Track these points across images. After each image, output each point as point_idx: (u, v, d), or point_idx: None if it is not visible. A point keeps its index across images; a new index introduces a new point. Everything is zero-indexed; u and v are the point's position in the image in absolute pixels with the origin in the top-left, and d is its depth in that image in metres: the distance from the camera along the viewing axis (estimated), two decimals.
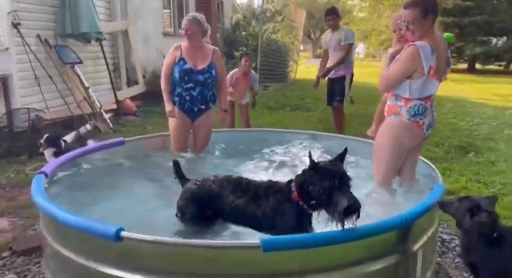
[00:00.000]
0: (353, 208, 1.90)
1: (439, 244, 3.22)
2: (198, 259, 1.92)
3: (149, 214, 2.76)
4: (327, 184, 1.97)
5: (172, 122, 3.89)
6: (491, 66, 25.61)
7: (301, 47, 18.73)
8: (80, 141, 5.74)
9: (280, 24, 17.12)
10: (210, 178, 2.45)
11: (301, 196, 2.18)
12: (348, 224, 1.92)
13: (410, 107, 2.78)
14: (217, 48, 4.00)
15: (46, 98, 6.16)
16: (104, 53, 7.47)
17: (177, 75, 3.78)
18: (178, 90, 3.84)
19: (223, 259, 1.91)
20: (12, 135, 5.73)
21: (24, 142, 5.57)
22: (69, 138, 5.77)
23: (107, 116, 6.86)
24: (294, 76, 16.03)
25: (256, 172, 3.58)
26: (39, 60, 6.07)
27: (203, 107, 3.91)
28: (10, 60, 5.78)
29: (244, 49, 13.14)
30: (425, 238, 2.36)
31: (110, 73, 7.59)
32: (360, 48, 30.24)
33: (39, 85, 6.06)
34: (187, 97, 3.83)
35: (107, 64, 7.56)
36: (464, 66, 25.76)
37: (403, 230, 2.16)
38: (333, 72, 5.80)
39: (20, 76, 5.91)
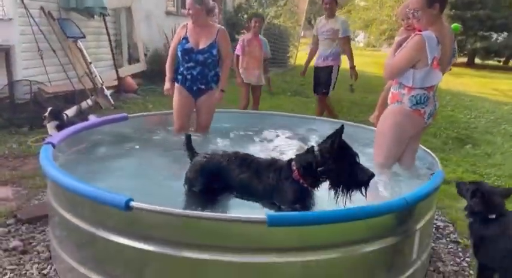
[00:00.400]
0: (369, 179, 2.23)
1: (434, 230, 3.31)
2: (204, 231, 1.98)
3: (156, 185, 2.82)
4: (348, 161, 2.22)
5: (175, 100, 3.92)
6: (490, 61, 25.65)
7: (302, 33, 18.63)
8: (81, 115, 5.75)
9: (283, 9, 17.01)
10: (219, 153, 2.51)
11: (303, 174, 2.30)
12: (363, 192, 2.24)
13: (413, 96, 2.83)
14: (223, 27, 3.98)
15: (48, 71, 6.14)
16: (107, 28, 7.42)
17: (179, 54, 3.85)
18: (181, 68, 3.89)
19: (228, 232, 1.97)
20: (13, 106, 5.74)
21: (26, 114, 5.59)
22: (70, 112, 5.76)
23: (108, 92, 6.85)
24: (294, 62, 15.98)
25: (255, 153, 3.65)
26: (42, 32, 6.03)
27: (203, 87, 3.91)
28: (13, 31, 5.74)
29: (246, 32, 13.06)
30: (423, 222, 2.43)
31: (112, 50, 7.55)
32: (360, 37, 30.10)
33: (41, 58, 6.03)
34: (188, 76, 3.87)
35: (109, 40, 7.51)
36: (464, 60, 25.78)
37: (403, 213, 2.22)
38: (320, 60, 5.75)
39: (22, 48, 5.88)
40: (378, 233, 2.18)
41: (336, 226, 2.04)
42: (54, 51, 6.14)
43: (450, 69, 3.14)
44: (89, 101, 6.40)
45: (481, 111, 8.21)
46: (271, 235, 1.98)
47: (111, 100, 6.72)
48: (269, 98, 8.33)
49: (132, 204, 1.97)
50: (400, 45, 2.93)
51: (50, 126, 4.61)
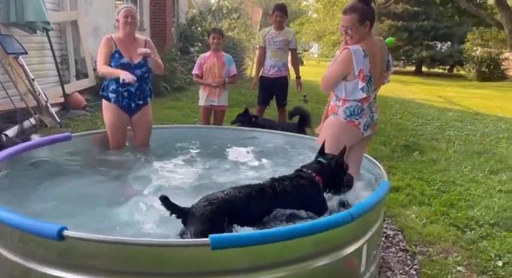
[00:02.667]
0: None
1: (383, 239, 3.36)
2: (143, 258, 1.89)
3: (95, 211, 2.68)
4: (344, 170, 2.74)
5: (108, 119, 3.75)
6: (436, 69, 26.95)
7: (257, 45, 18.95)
8: (23, 135, 5.46)
9: (236, 22, 17.13)
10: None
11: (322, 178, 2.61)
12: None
13: (347, 107, 2.95)
14: (149, 38, 3.89)
15: None
16: (50, 43, 7.14)
17: None
18: (114, 86, 3.68)
19: (170, 258, 1.89)
20: None
21: None
22: (11, 132, 5.49)
23: (53, 110, 6.56)
24: (250, 73, 16.08)
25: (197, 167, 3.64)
26: None
27: (141, 102, 3.80)
28: None
29: (200, 44, 13.02)
30: (369, 234, 2.45)
31: (56, 65, 7.27)
32: (314, 48, 30.80)
33: None
34: (125, 94, 3.70)
35: (53, 55, 7.23)
36: (412, 68, 26.94)
37: (349, 227, 2.22)
38: (273, 70, 5.77)
39: None
40: (324, 248, 2.17)
41: (282, 244, 2.02)
42: None
43: (388, 81, 3.25)
44: (32, 120, 6.10)
45: (427, 118, 8.54)
46: (217, 258, 1.92)
47: (57, 118, 6.43)
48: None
49: (66, 233, 1.85)
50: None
51: None
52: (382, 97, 11.69)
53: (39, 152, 3.43)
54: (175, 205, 2.18)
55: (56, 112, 6.65)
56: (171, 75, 9.88)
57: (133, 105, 3.77)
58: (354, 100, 2.93)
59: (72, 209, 2.72)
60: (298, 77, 6.12)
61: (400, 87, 15.58)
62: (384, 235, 3.41)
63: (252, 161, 3.93)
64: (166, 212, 2.57)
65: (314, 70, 22.51)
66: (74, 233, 1.86)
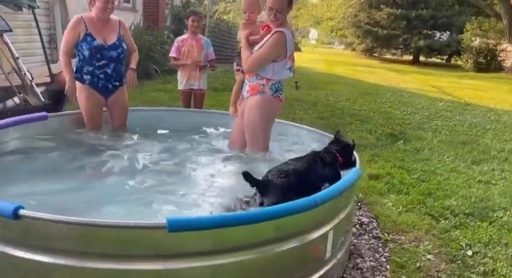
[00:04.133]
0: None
1: (357, 226, 3.37)
2: (101, 239, 1.88)
3: (64, 192, 2.67)
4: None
5: (83, 101, 3.69)
6: (433, 59, 26.85)
7: None
8: (5, 114, 5.41)
9: (232, 5, 16.91)
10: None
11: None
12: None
13: (272, 84, 3.20)
14: (122, 20, 3.83)
15: None
16: (37, 22, 6.98)
17: (86, 53, 3.55)
18: (89, 68, 3.61)
19: (127, 240, 1.88)
20: None
21: None
22: None
23: (38, 90, 6.48)
24: None
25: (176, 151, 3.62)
26: None
27: (117, 84, 3.78)
28: None
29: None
30: (336, 220, 2.44)
31: (42, 44, 7.13)
32: (312, 34, 30.56)
33: None
34: (102, 75, 3.65)
35: (39, 34, 7.08)
36: (410, 58, 26.82)
37: (313, 213, 2.21)
38: None
39: None
40: (287, 233, 2.16)
41: (243, 228, 2.01)
42: None
43: None
44: (16, 99, 6.02)
45: (417, 107, 8.51)
46: (177, 240, 1.92)
47: (42, 98, 6.35)
48: (212, 95, 8.24)
49: (22, 212, 1.84)
50: (254, 41, 3.26)
51: None
52: (374, 86, 11.69)
53: (14, 131, 3.40)
54: (255, 179, 2.44)
55: (41, 92, 6.57)
56: (162, 57, 9.78)
57: (110, 86, 3.73)
58: (278, 78, 3.19)
59: (40, 188, 2.70)
60: None
61: (395, 76, 15.54)
62: (358, 222, 3.43)
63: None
64: (131, 195, 2.60)
65: (309, 56, 22.45)
66: (30, 213, 1.85)
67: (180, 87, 5.06)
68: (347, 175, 2.58)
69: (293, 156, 2.94)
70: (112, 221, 1.85)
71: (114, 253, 1.90)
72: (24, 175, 2.88)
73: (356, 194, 3.83)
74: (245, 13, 3.32)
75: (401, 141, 5.70)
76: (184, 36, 5.08)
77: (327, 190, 2.29)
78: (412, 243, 3.12)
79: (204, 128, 4.29)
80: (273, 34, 3.10)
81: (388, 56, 27.83)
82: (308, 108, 7.56)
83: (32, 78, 6.49)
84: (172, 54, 4.99)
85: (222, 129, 4.27)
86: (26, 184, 2.75)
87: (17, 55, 6.37)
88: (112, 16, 3.70)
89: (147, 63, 9.15)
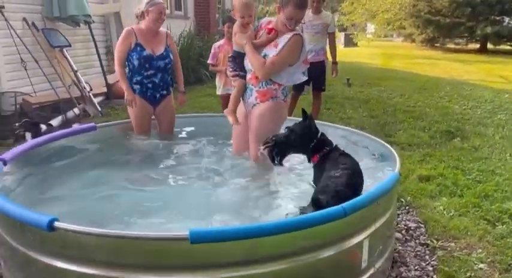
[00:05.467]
0: None
1: (403, 231, 3.21)
2: (133, 251, 1.93)
3: (105, 203, 2.78)
4: None
5: (132, 110, 3.84)
6: (503, 46, 24.95)
7: None
8: (67, 124, 5.78)
9: None
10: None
11: None
12: None
13: (283, 88, 3.15)
14: (169, 31, 3.98)
15: (34, 82, 6.19)
16: (92, 35, 7.43)
17: (136, 62, 3.71)
18: (138, 77, 3.77)
19: (154, 251, 1.92)
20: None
21: (11, 126, 5.63)
22: (55, 121, 5.82)
23: (96, 100, 6.87)
24: None
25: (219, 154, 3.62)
26: (24, 44, 6.07)
27: (165, 92, 3.90)
28: None
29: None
30: (372, 229, 2.33)
31: (99, 56, 7.56)
32: (368, 28, 29.64)
33: (25, 69, 6.08)
34: (150, 85, 3.80)
35: (96, 47, 7.53)
36: (476, 46, 25.15)
37: (343, 222, 2.13)
38: (311, 55, 5.63)
39: (6, 60, 5.93)
40: (316, 243, 2.10)
41: (271, 238, 1.98)
42: (37, 61, 6.17)
43: None
44: (76, 110, 6.43)
45: (479, 100, 7.94)
46: (206, 251, 1.93)
47: (99, 108, 6.73)
48: None
49: (56, 224, 1.93)
50: (260, 45, 3.06)
51: (28, 137, 4.66)
52: (433, 80, 11.09)
53: (65, 142, 3.60)
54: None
55: (99, 102, 6.96)
56: None
57: (158, 95, 3.86)
58: (291, 83, 3.17)
59: (83, 197, 2.84)
60: (334, 63, 5.99)
61: (458, 67, 14.64)
62: (405, 227, 3.26)
63: None
64: (172, 203, 2.64)
65: (365, 51, 21.79)
66: (64, 225, 1.94)
67: (219, 92, 5.28)
68: (383, 181, 2.46)
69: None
70: (135, 233, 1.89)
71: (144, 264, 1.94)
72: (69, 185, 3.05)
73: (403, 198, 3.66)
74: (243, 17, 3.11)
75: (458, 139, 5.35)
76: (220, 42, 5.20)
77: (358, 198, 2.19)
78: (464, 251, 2.91)
79: None
80: (291, 37, 2.95)
81: (452, 46, 26.30)
82: (359, 106, 7.33)
83: (91, 89, 6.90)
84: (209, 60, 5.23)
85: None
86: (70, 193, 2.91)
87: (75, 68, 6.80)
88: (160, 28, 3.85)
89: (198, 68, 9.35)
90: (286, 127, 2.88)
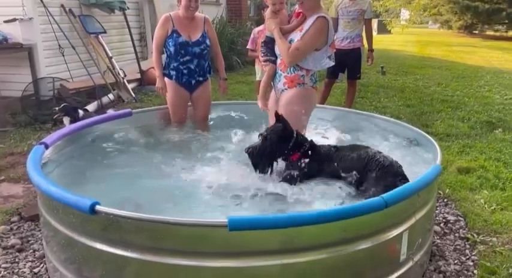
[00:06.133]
0: None
1: (442, 225, 3.12)
2: (169, 236, 1.95)
3: (142, 188, 2.81)
4: None
5: (169, 96, 3.87)
6: None
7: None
8: (102, 110, 5.90)
9: None
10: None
11: None
12: None
13: (312, 75, 3.07)
14: (207, 16, 3.95)
15: (71, 68, 6.33)
16: (127, 22, 7.51)
17: (172, 49, 3.72)
18: (175, 63, 3.78)
19: (192, 237, 1.93)
20: (38, 103, 5.97)
21: (49, 110, 5.79)
22: (91, 107, 5.95)
23: (130, 86, 6.96)
24: None
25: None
26: (62, 30, 6.19)
27: (201, 79, 3.89)
28: (34, 30, 5.93)
29: None
30: (412, 221, 2.27)
31: (133, 43, 7.65)
32: (402, 14, 28.80)
33: (63, 55, 6.21)
34: (185, 71, 3.80)
35: (130, 33, 7.61)
36: None
37: (383, 213, 2.07)
38: (346, 42, 5.53)
39: (44, 46, 6.08)
40: (355, 234, 2.06)
41: (309, 228, 1.95)
42: (74, 48, 6.29)
43: None
44: (111, 96, 6.54)
45: None
46: (244, 238, 1.92)
47: (133, 94, 6.82)
48: None
49: (98, 207, 1.97)
50: (288, 30, 3.03)
51: (66, 121, 4.77)
52: (471, 68, 10.68)
53: (102, 127, 3.67)
54: None
55: (133, 88, 7.06)
56: (243, 49, 9.88)
57: (193, 81, 3.87)
58: (319, 68, 3.06)
59: (123, 183, 2.88)
60: (370, 50, 5.85)
61: (498, 55, 14.05)
62: (443, 220, 3.17)
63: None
64: (209, 189, 2.65)
65: (400, 38, 21.18)
66: (105, 209, 1.97)
67: (257, 77, 5.25)
68: (424, 173, 2.38)
69: None
70: (175, 218, 1.90)
71: (182, 249, 1.96)
72: (104, 169, 3.09)
73: (441, 190, 3.55)
74: (274, 4, 3.07)
75: (500, 130, 5.14)
76: (260, 28, 5.13)
77: (399, 189, 2.13)
78: (506, 246, 2.80)
79: None
80: (315, 21, 2.88)
81: (491, 33, 25.23)
82: (394, 95, 7.15)
83: (125, 75, 7.00)
84: (248, 46, 5.17)
85: None
86: (109, 178, 2.96)
87: (110, 54, 6.90)
88: (198, 13, 3.84)
89: (229, 55, 9.34)
90: (259, 135, 2.80)
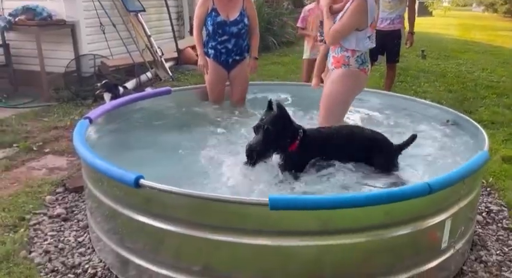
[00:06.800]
0: None
1: (484, 214, 3.03)
2: (210, 212, 1.98)
3: (182, 164, 2.85)
4: None
5: (208, 74, 3.89)
6: None
7: None
8: (140, 88, 6.00)
9: None
10: None
11: None
12: None
13: (358, 56, 3.00)
14: None
15: (111, 45, 6.42)
16: (165, 1, 7.53)
17: (210, 28, 3.73)
18: (213, 42, 3.79)
19: (233, 214, 1.95)
20: (80, 79, 6.13)
21: (90, 86, 5.94)
22: (130, 84, 6.05)
23: (167, 65, 7.03)
24: None
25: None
26: (103, 7, 6.28)
27: (238, 58, 3.88)
28: (77, 8, 6.04)
29: None
30: (455, 208, 2.21)
31: (171, 22, 7.68)
32: None
33: (104, 33, 6.32)
34: (223, 50, 3.80)
35: (168, 12, 7.63)
36: None
37: (427, 199, 2.03)
38: (386, 23, 5.30)
39: (86, 24, 6.18)
40: (397, 219, 2.03)
41: (350, 210, 1.94)
42: (114, 25, 6.38)
43: None
44: (149, 74, 6.63)
45: None
46: (284, 218, 1.93)
47: (170, 72, 6.89)
48: None
49: (142, 181, 2.01)
50: (337, 10, 3.00)
51: (106, 98, 4.89)
52: None
53: (142, 104, 3.73)
54: None
55: (170, 67, 7.12)
56: (280, 29, 9.80)
57: (230, 60, 3.86)
58: (363, 49, 2.99)
59: (162, 158, 2.93)
60: (411, 32, 5.59)
61: None
62: (486, 210, 3.08)
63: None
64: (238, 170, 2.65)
65: (441, 21, 20.37)
66: (149, 183, 2.02)
67: (305, 56, 5.28)
68: (471, 159, 2.30)
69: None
70: (217, 195, 1.93)
71: (222, 225, 1.98)
72: (148, 145, 3.15)
73: (485, 179, 3.43)
74: None
75: None
76: (311, 6, 5.17)
77: (445, 175, 2.07)
78: None
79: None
80: (352, 2, 2.87)
81: None
82: (435, 80, 6.91)
83: (162, 54, 7.06)
84: (298, 24, 5.24)
85: None
86: (149, 154, 3.01)
87: (149, 33, 6.96)
88: None
89: (266, 35, 9.24)
90: (254, 127, 2.48)
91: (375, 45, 3.08)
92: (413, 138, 2.68)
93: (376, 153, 2.62)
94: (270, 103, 2.55)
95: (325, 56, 3.24)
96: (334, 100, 3.09)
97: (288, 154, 2.54)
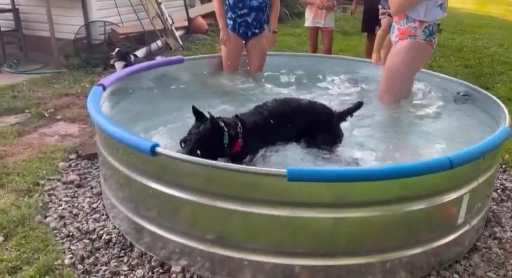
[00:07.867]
0: None
1: (499, 191, 3.00)
2: (226, 181, 1.96)
3: None
4: None
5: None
6: None
7: None
8: (150, 56, 5.92)
9: None
10: None
11: None
12: None
13: (426, 27, 2.85)
14: None
15: (121, 12, 6.31)
16: None
17: (231, 1, 3.66)
18: (232, 15, 3.73)
19: (250, 184, 1.93)
20: (90, 46, 6.05)
21: (100, 54, 5.87)
22: (140, 53, 5.97)
23: (178, 33, 6.91)
24: None
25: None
26: None
27: (257, 31, 3.82)
28: None
29: None
30: (475, 184, 2.18)
31: None
32: None
33: None
34: (243, 23, 3.75)
35: None
36: None
37: (447, 174, 1.99)
38: None
39: None
40: (415, 193, 2.00)
41: (367, 184, 1.92)
42: None
43: None
44: (159, 42, 6.53)
45: None
46: (298, 189, 1.91)
47: (180, 41, 6.78)
48: (341, 39, 7.87)
49: (158, 149, 1.99)
50: None
51: (118, 66, 4.83)
52: None
53: (154, 73, 3.67)
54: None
55: (180, 36, 7.01)
56: (292, 0, 9.54)
57: (249, 33, 3.82)
58: (432, 19, 2.84)
59: (176, 126, 2.90)
60: None
61: None
62: (501, 187, 3.05)
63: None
64: None
65: None
66: (164, 151, 2.00)
67: (307, 24, 5.41)
68: (493, 135, 2.25)
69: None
70: (234, 165, 1.90)
71: (237, 195, 1.97)
72: (160, 113, 3.11)
73: (501, 156, 3.38)
74: None
75: None
76: None
77: (466, 150, 2.03)
78: None
79: (331, 75, 4.10)
80: None
81: None
82: (450, 55, 6.76)
83: (173, 22, 6.93)
84: None
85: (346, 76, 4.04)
86: (161, 122, 2.97)
87: (160, 0, 6.81)
88: None
89: None
90: (181, 140, 2.23)
91: (445, 15, 2.89)
92: (358, 105, 2.67)
93: (316, 123, 2.54)
94: (197, 113, 2.27)
95: (388, 30, 3.16)
96: (397, 73, 2.97)
97: (235, 157, 2.31)
